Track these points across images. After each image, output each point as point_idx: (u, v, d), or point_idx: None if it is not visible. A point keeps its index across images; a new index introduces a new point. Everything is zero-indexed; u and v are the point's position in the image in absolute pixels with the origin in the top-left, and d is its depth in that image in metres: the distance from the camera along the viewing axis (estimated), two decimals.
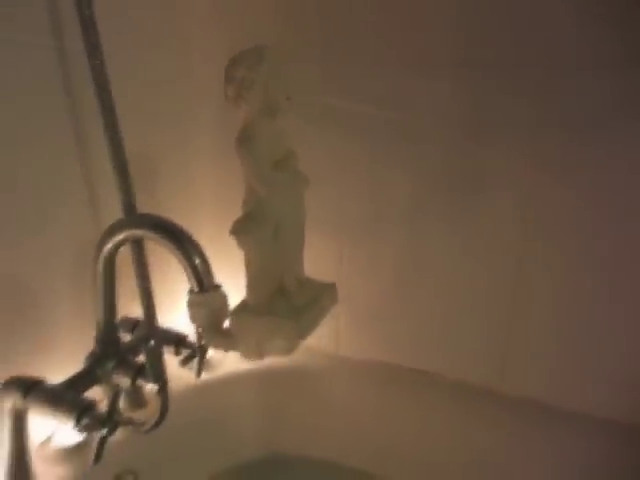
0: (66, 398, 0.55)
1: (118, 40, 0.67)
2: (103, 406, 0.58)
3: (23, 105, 0.61)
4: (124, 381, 0.62)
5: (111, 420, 0.54)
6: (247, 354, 0.55)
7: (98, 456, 0.54)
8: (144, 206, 0.64)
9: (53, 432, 0.69)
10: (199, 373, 0.71)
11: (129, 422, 0.59)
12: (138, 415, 0.68)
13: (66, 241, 0.69)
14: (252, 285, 0.50)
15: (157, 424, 0.65)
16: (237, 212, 0.83)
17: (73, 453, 0.68)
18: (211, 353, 0.91)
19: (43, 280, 0.68)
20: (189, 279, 0.55)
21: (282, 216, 0.48)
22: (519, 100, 0.72)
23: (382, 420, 0.88)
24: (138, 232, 0.57)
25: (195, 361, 0.70)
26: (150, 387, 0.67)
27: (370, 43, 0.79)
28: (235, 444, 0.89)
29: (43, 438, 0.69)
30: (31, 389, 0.56)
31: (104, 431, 0.54)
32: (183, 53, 0.83)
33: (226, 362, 0.92)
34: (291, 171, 0.49)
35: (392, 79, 0.79)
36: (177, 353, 0.69)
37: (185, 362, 0.68)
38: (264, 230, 0.48)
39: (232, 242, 0.89)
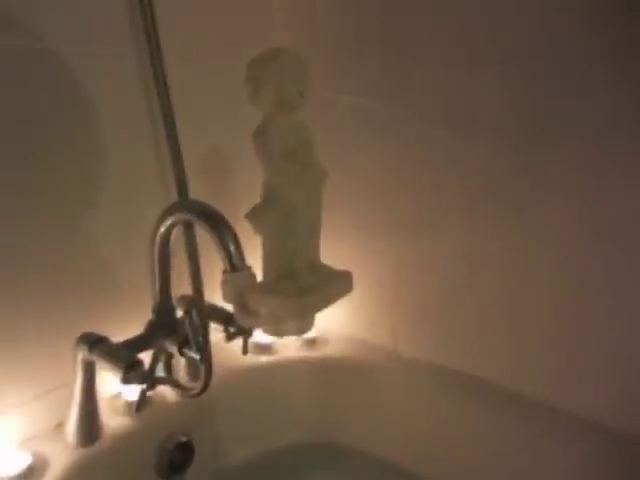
0: (119, 354, 0.64)
1: (203, 48, 0.76)
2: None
3: (116, 114, 0.73)
4: (172, 348, 0.71)
5: (151, 377, 0.63)
6: (267, 331, 0.60)
7: (139, 406, 0.63)
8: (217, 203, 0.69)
9: (122, 389, 0.80)
10: (245, 351, 0.78)
11: (171, 383, 0.66)
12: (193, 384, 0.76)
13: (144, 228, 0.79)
14: (264, 266, 0.55)
15: (201, 391, 0.72)
16: None
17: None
18: (274, 338, 0.99)
19: (122, 261, 0.79)
20: (222, 260, 0.61)
21: (293, 203, 0.52)
22: (582, 96, 0.69)
23: (430, 422, 0.87)
24: (185, 216, 0.65)
25: (242, 339, 0.77)
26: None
27: (427, 45, 0.81)
28: (285, 426, 0.94)
29: (113, 393, 0.80)
30: (95, 343, 0.66)
31: (144, 385, 0.62)
32: None
33: (288, 347, 0.98)
34: (303, 162, 0.53)
35: (447, 81, 0.80)
36: (225, 330, 0.76)
37: (230, 338, 0.75)
38: (274, 215, 0.52)
39: None
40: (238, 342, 0.97)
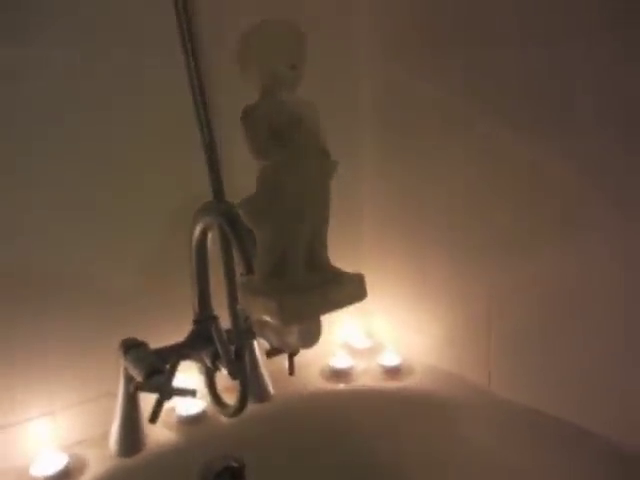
0: (146, 360, 0.62)
1: None
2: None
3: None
4: (207, 361, 0.67)
5: (167, 389, 0.59)
6: (274, 342, 0.53)
7: (154, 417, 0.59)
8: None
9: (176, 403, 0.78)
10: (291, 371, 0.71)
11: (191, 394, 0.62)
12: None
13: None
14: (256, 264, 0.49)
15: (236, 412, 0.66)
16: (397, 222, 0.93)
17: (188, 423, 0.76)
18: (351, 363, 0.90)
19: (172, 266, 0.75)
20: (241, 263, 0.57)
21: (286, 190, 0.45)
22: None
23: (519, 475, 0.70)
24: (212, 219, 0.62)
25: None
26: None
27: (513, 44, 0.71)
28: (347, 464, 0.83)
29: (167, 406, 0.77)
30: (130, 348, 0.65)
31: (159, 396, 0.59)
32: (348, 86, 0.92)
33: (367, 375, 0.89)
34: (299, 146, 0.46)
35: (541, 66, 0.67)
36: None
37: (271, 355, 0.68)
38: (263, 204, 0.46)
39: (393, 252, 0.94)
40: (315, 365, 0.92)
